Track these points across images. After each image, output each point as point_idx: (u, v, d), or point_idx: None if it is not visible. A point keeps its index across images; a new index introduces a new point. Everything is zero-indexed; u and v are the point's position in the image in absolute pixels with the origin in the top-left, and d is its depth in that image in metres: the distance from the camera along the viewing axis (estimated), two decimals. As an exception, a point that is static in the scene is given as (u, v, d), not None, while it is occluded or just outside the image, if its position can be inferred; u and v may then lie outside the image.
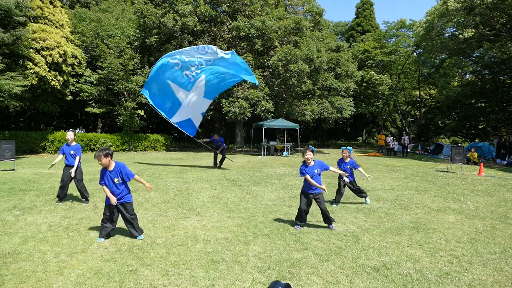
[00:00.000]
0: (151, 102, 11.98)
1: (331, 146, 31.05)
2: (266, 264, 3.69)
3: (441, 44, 21.91)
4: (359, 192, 6.74)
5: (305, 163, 4.95)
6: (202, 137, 26.78)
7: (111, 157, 4.35)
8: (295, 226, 5.00)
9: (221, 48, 19.16)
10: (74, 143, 6.35)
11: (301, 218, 5.00)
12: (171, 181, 8.99)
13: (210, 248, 4.11)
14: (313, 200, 4.97)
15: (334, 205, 6.53)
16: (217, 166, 12.41)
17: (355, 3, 47.00)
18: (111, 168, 4.34)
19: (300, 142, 23.79)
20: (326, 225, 5.10)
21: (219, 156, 12.52)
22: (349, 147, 6.72)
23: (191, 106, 12.34)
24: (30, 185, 7.85)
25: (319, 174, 4.93)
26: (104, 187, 4.32)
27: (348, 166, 6.58)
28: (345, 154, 6.61)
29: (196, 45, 19.14)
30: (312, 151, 4.98)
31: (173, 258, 3.80)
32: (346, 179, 6.46)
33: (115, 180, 4.31)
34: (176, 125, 12.57)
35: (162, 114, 12.12)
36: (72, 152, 6.26)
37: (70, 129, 6.56)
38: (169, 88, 11.73)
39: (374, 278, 3.40)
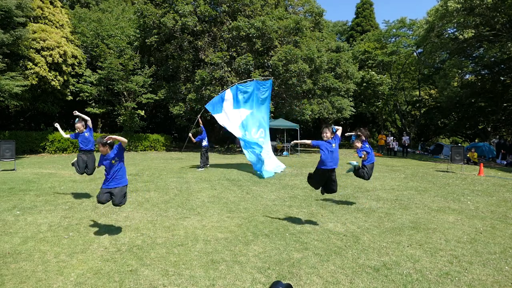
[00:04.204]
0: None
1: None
2: (266, 264, 3.69)
3: (441, 45, 21.92)
4: None
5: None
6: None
7: (110, 146, 4.54)
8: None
9: (221, 48, 19.22)
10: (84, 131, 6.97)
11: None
12: (171, 181, 8.99)
13: (210, 248, 4.11)
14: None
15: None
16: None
17: (354, 3, 47.04)
18: (108, 153, 4.55)
19: (300, 142, 23.75)
20: (326, 225, 5.11)
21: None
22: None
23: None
24: (30, 185, 7.85)
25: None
26: (112, 135, 4.56)
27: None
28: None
29: (196, 45, 19.24)
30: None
31: (173, 258, 3.80)
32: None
33: (113, 161, 4.51)
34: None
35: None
36: (86, 134, 6.95)
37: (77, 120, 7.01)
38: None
39: (374, 278, 3.40)
